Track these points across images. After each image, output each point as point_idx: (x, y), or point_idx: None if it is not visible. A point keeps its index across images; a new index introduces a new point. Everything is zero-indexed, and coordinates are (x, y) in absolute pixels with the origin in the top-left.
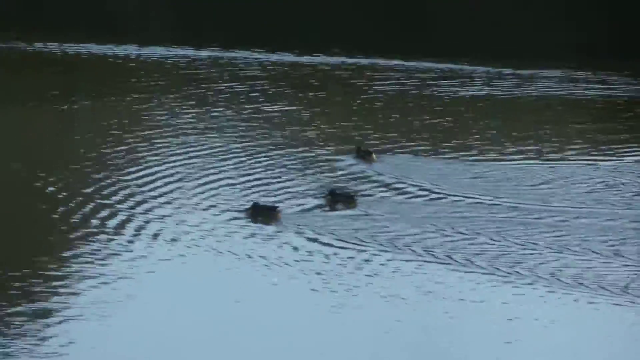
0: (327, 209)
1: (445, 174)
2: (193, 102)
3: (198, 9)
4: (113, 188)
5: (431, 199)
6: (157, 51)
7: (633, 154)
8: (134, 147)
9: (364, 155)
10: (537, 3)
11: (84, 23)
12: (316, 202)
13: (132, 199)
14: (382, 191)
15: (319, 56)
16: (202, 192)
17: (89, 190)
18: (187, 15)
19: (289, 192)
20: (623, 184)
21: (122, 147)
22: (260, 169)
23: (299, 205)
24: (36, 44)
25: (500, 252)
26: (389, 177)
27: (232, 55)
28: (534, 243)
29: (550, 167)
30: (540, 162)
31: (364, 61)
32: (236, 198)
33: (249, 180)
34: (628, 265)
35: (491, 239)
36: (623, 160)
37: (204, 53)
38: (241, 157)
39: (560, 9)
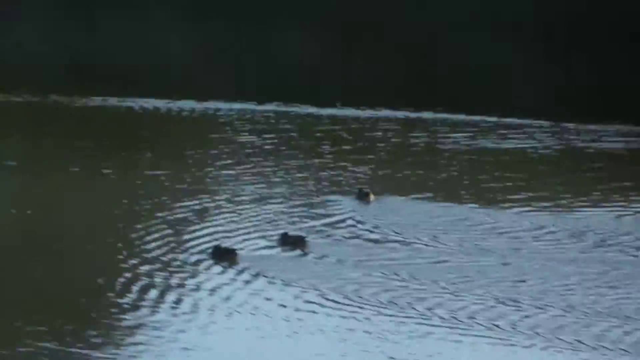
0: (278, 250)
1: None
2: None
3: (257, 63)
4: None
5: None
6: (217, 105)
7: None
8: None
9: (362, 196)
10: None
11: (144, 76)
12: (268, 243)
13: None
14: (346, 235)
15: (330, 108)
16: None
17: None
18: (247, 70)
19: (259, 235)
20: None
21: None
22: (257, 212)
23: (256, 246)
24: (94, 97)
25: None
26: (368, 220)
27: (291, 109)
28: (515, 300)
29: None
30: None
31: (379, 114)
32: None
33: (235, 224)
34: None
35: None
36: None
37: (267, 107)
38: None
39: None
